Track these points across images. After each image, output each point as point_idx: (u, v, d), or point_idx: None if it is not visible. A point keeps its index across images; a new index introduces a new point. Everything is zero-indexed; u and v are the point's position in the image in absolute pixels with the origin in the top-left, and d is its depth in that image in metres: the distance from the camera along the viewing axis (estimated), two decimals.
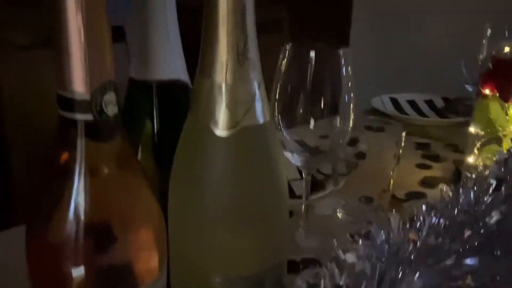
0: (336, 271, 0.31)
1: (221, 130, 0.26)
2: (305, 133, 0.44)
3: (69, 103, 0.24)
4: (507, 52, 0.58)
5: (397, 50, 1.78)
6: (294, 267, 0.45)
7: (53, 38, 0.23)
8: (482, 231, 0.38)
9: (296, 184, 0.60)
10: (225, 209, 0.27)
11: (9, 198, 0.75)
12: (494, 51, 0.59)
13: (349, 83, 0.42)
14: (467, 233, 0.37)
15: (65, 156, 0.25)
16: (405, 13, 1.76)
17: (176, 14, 0.32)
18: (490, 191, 0.43)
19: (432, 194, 0.61)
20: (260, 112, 0.27)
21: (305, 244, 0.48)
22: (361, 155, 0.75)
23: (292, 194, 0.57)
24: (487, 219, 0.40)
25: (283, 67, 0.42)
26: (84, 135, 0.24)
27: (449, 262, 0.33)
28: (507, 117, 0.60)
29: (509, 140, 0.59)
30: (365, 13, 1.88)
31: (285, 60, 0.41)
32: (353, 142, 0.80)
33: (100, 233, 0.25)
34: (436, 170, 0.68)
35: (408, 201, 0.59)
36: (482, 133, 0.61)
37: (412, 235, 0.35)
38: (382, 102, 1.08)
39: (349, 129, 0.44)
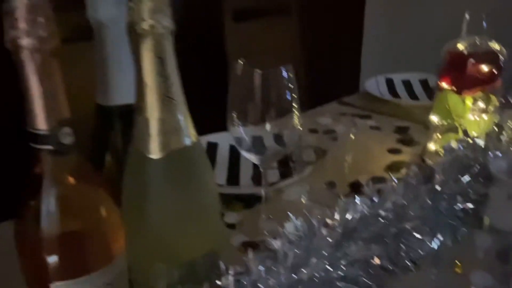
0: (259, 256, 0.39)
1: (152, 154, 0.33)
2: (260, 133, 0.51)
3: (35, 138, 0.32)
4: (462, 48, 0.62)
5: (408, 34, 1.77)
6: (254, 247, 0.54)
7: (22, 93, 0.31)
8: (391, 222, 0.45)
9: (268, 173, 0.68)
10: (161, 214, 0.35)
11: None
12: (451, 47, 0.63)
13: (292, 86, 0.48)
14: (376, 224, 0.44)
15: (37, 170, 0.34)
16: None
17: (128, 50, 0.39)
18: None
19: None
20: (186, 136, 0.34)
21: (265, 227, 0.56)
22: (335, 138, 0.81)
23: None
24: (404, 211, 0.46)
25: (235, 79, 0.49)
26: (48, 158, 0.33)
27: (353, 248, 0.40)
28: (464, 107, 0.64)
29: (465, 130, 0.63)
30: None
31: (237, 73, 0.48)
32: (331, 128, 0.86)
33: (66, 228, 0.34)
34: (405, 155, 0.74)
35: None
36: (442, 122, 0.66)
37: (327, 222, 0.43)
38: (377, 83, 1.12)
39: (297, 127, 0.50)
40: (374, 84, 1.11)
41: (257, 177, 0.66)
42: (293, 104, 0.50)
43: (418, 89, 1.09)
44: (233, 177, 0.67)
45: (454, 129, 0.65)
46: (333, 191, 0.63)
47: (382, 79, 1.14)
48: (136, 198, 0.35)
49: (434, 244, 0.41)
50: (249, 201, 0.62)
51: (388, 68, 1.22)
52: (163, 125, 0.33)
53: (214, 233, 0.38)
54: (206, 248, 0.37)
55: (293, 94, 0.49)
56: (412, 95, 1.06)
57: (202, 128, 0.50)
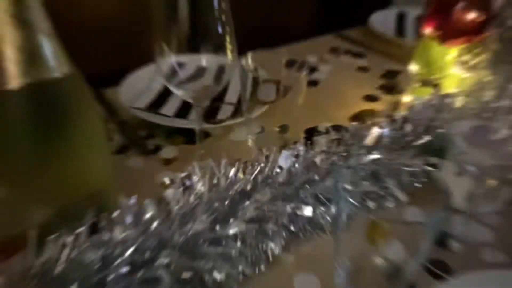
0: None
1: (7, 86, 0.29)
2: (190, 68, 0.46)
3: None
4: None
5: None
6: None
7: None
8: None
9: (223, 109, 0.63)
10: (29, 152, 0.31)
11: None
12: None
13: (224, 18, 0.42)
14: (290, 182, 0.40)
15: None
16: None
17: None
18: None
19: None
20: (51, 67, 0.30)
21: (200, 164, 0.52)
22: (314, 83, 0.74)
23: (213, 118, 0.61)
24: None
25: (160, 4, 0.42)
26: None
27: (249, 207, 0.37)
28: (447, 60, 0.56)
29: (437, 86, 0.56)
30: None
31: None
32: (312, 70, 0.79)
33: None
34: (381, 104, 0.67)
35: (327, 134, 0.59)
36: (421, 73, 0.59)
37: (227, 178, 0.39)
38: (385, 17, 1.01)
39: (229, 62, 0.45)
40: (381, 18, 1.00)
41: (207, 112, 0.62)
42: (227, 39, 0.43)
43: None
44: (185, 109, 0.63)
45: (432, 83, 0.58)
46: (283, 136, 0.58)
47: (393, 13, 1.02)
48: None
49: (355, 212, 0.36)
50: (191, 136, 0.58)
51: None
52: (17, 53, 0.28)
53: (94, 173, 0.35)
54: (83, 190, 0.34)
55: (227, 27, 0.43)
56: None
57: None
